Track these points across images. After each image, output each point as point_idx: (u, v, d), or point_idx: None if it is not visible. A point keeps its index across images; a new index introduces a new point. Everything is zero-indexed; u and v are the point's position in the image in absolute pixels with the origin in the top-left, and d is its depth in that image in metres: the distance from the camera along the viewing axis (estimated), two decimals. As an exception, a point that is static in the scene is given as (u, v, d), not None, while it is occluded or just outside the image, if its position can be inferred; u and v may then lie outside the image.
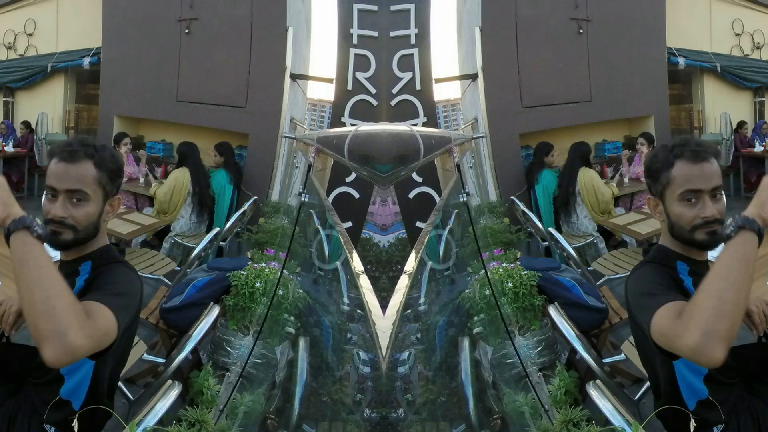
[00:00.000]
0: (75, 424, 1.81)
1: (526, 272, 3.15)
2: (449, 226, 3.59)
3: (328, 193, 4.76)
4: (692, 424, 1.61)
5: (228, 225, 4.28)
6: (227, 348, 2.88)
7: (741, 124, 6.75)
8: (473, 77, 5.70)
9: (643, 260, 1.65)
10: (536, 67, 5.63)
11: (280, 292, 3.01)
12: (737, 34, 6.82)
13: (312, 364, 2.79)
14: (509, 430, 2.46)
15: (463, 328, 3.15)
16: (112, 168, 1.56)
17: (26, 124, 6.75)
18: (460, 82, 6.28)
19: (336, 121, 5.27)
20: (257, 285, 3.03)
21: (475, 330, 3.11)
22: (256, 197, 5.01)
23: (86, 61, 6.34)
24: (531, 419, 2.42)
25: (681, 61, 6.29)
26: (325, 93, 5.87)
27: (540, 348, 2.92)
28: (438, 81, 5.53)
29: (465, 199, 3.40)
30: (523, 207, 4.67)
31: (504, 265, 3.33)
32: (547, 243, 4.43)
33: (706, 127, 6.74)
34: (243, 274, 3.09)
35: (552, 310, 2.31)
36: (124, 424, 1.70)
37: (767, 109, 6.92)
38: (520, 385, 2.69)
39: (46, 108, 6.66)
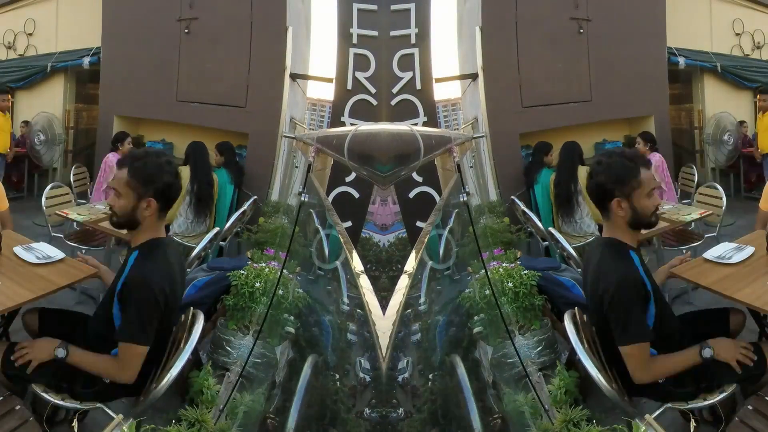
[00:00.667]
0: (75, 424, 1.82)
1: (526, 272, 3.16)
2: (449, 226, 3.58)
3: (327, 193, 4.76)
4: (692, 424, 1.72)
5: (228, 225, 4.27)
6: (227, 348, 2.88)
7: (741, 124, 6.73)
8: (473, 77, 5.69)
9: (618, 259, 2.01)
10: (536, 66, 5.63)
11: (280, 292, 3.01)
12: (737, 34, 6.82)
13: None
14: (509, 430, 2.45)
15: (463, 328, 3.15)
16: (143, 174, 1.97)
17: (26, 124, 6.73)
18: (461, 81, 6.28)
19: (336, 120, 5.26)
20: (257, 285, 3.04)
21: (475, 330, 3.11)
22: (255, 197, 5.00)
23: (86, 60, 6.34)
24: (531, 419, 2.42)
25: (681, 60, 6.29)
26: (325, 93, 5.88)
27: (540, 348, 2.92)
28: (438, 81, 5.52)
29: (465, 198, 3.40)
30: (523, 207, 4.66)
31: (504, 264, 3.33)
32: (547, 243, 4.42)
33: (706, 127, 6.74)
34: (243, 274, 3.09)
35: (567, 316, 2.20)
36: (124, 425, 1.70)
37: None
38: (520, 384, 2.69)
39: (45, 108, 6.64)
